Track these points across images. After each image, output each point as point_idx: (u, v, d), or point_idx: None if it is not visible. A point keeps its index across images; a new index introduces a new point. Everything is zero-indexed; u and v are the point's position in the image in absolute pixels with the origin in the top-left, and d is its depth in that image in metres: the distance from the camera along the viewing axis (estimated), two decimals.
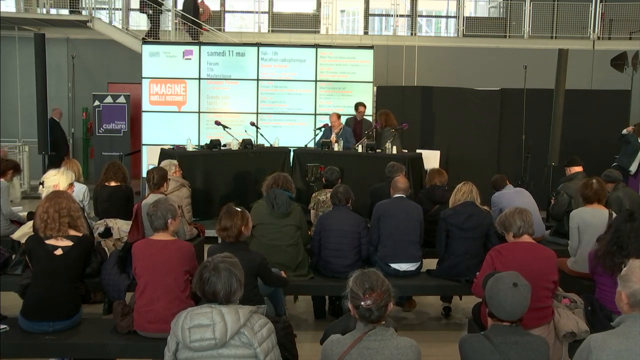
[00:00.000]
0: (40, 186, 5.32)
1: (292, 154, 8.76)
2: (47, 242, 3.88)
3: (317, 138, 9.13)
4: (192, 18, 12.25)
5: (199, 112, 10.87)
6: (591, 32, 13.44)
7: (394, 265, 5.08)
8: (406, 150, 8.68)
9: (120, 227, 5.69)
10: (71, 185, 5.28)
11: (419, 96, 10.96)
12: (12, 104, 12.76)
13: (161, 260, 3.79)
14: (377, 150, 8.32)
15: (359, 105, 9.69)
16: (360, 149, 8.43)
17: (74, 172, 5.82)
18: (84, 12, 12.49)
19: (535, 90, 10.12)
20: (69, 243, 3.90)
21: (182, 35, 12.87)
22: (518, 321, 2.83)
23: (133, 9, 13.83)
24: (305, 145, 9.04)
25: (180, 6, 12.97)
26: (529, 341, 2.79)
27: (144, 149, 10.61)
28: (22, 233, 5.20)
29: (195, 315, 2.66)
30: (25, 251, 4.01)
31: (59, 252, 3.86)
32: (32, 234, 4.30)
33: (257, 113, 10.88)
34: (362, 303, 2.60)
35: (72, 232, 3.96)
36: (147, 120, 10.84)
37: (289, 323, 3.67)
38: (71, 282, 3.90)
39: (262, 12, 14.02)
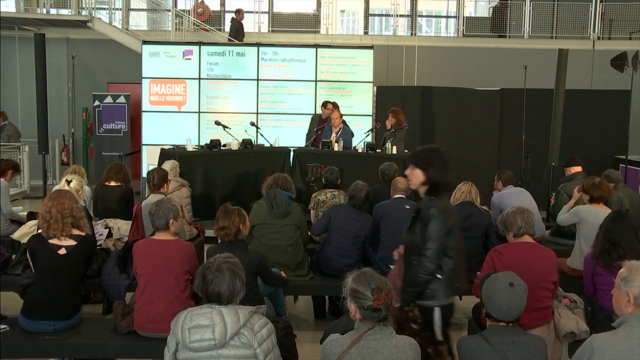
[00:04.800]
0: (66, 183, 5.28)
1: (292, 154, 8.76)
2: (51, 241, 3.88)
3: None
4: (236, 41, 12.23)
5: (199, 112, 10.87)
6: (591, 32, 13.44)
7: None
8: (406, 150, 8.67)
9: (120, 227, 5.69)
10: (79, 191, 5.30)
11: (419, 96, 10.96)
12: (12, 104, 12.75)
13: (162, 260, 3.79)
14: (377, 150, 8.31)
15: (327, 103, 9.57)
16: (360, 149, 8.43)
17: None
18: (84, 12, 12.49)
19: (535, 90, 10.11)
20: (73, 243, 3.90)
21: (184, 35, 12.90)
22: (515, 321, 2.84)
23: (133, 9, 13.86)
24: (305, 146, 9.03)
25: (179, 6, 13.01)
26: (526, 341, 2.79)
27: (144, 149, 10.61)
28: (22, 233, 5.21)
29: (195, 315, 2.66)
30: (28, 250, 4.01)
31: (62, 251, 3.86)
32: (33, 233, 4.31)
33: (257, 113, 10.88)
34: (371, 303, 2.60)
35: (76, 232, 3.96)
36: (147, 120, 10.85)
37: (289, 323, 3.67)
38: (73, 281, 3.91)
39: (262, 12, 14.02)
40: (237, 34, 12.48)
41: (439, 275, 3.25)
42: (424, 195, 3.36)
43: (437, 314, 3.27)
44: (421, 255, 3.23)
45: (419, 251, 3.25)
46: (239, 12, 12.64)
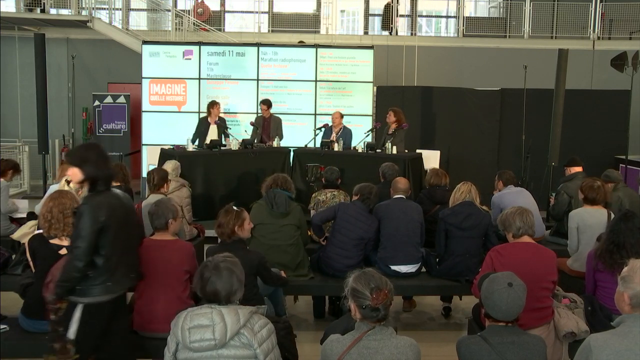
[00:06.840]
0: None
1: (292, 154, 8.76)
2: (52, 241, 3.88)
3: (320, 137, 9.09)
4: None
5: (199, 112, 10.87)
6: (591, 32, 13.45)
7: (394, 267, 5.06)
8: (407, 151, 8.67)
9: None
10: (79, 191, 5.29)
11: (419, 96, 10.97)
12: (12, 104, 12.77)
13: (161, 260, 3.79)
14: (377, 150, 8.32)
15: (265, 102, 9.54)
16: (360, 149, 8.43)
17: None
18: (84, 12, 12.50)
19: (535, 90, 10.11)
20: None
21: (184, 35, 12.91)
22: (515, 321, 2.84)
23: (133, 9, 13.87)
24: (305, 145, 9.04)
25: (179, 6, 13.02)
26: (526, 341, 2.79)
27: (144, 149, 10.61)
28: (22, 233, 5.19)
29: (195, 315, 2.66)
30: (28, 250, 4.01)
31: (63, 251, 3.85)
32: (34, 233, 4.30)
33: (257, 113, 10.87)
34: (370, 303, 2.60)
35: None
36: (147, 120, 10.85)
37: (289, 323, 3.67)
38: None
39: (262, 12, 14.04)
40: None
41: (90, 274, 3.24)
42: (87, 193, 3.38)
43: (78, 311, 3.26)
44: (72, 253, 3.23)
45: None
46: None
